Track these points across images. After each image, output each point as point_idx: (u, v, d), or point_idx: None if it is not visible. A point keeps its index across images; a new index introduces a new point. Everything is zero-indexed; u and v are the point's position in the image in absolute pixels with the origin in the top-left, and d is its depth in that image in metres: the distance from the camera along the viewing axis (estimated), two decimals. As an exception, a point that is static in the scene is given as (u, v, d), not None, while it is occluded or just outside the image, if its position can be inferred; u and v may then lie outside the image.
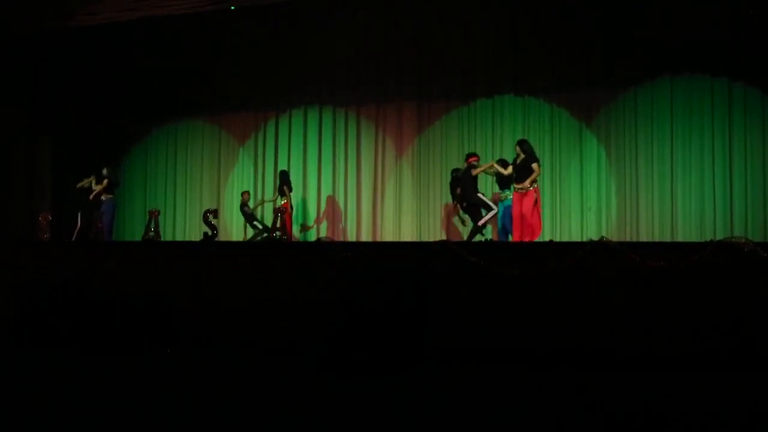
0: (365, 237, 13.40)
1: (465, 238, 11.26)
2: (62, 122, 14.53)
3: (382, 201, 13.47)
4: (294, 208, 13.32)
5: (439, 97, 13.14)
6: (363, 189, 13.63)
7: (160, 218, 13.50)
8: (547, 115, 12.43)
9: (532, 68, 12.39)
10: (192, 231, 14.38)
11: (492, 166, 10.94)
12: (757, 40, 11.02)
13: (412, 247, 9.46)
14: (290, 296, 8.50)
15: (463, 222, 11.80)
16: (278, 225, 12.65)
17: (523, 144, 10.50)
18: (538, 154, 10.71)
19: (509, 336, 7.67)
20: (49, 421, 5.30)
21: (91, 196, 12.52)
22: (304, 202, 13.98)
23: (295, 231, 13.49)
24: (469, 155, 11.21)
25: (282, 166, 13.92)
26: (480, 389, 6.47)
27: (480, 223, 10.69)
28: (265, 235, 13.02)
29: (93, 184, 12.63)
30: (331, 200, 13.84)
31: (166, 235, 14.11)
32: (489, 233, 11.46)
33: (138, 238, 13.59)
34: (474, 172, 10.79)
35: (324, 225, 13.84)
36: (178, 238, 14.50)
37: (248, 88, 14.29)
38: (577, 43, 12.14)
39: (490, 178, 11.72)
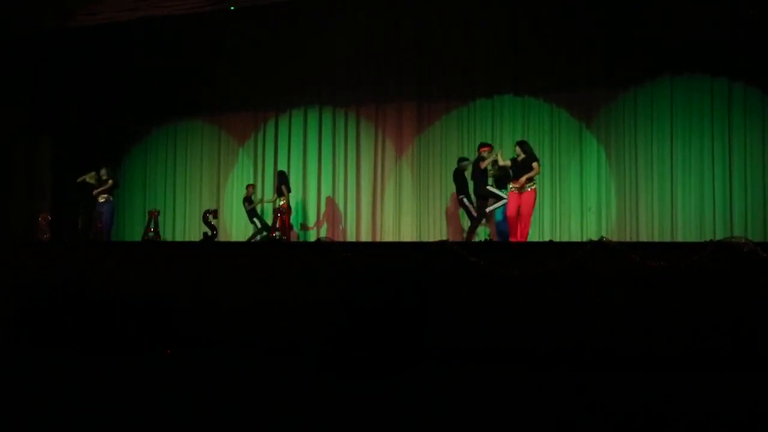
0: (365, 237, 13.39)
1: (466, 228, 11.18)
2: (62, 122, 14.52)
3: (382, 201, 13.47)
4: (292, 209, 13.32)
5: (438, 97, 13.13)
6: (363, 189, 13.63)
7: (160, 218, 13.49)
8: (547, 115, 12.42)
9: (532, 68, 12.38)
10: (192, 231, 14.38)
11: (495, 156, 10.82)
12: (757, 40, 11.01)
13: (412, 247, 9.45)
14: (290, 296, 8.51)
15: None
16: (278, 225, 12.65)
17: (523, 145, 10.53)
18: (537, 154, 10.73)
19: (509, 336, 7.68)
20: (49, 421, 5.30)
21: (95, 192, 12.52)
22: (303, 202, 13.98)
23: (296, 231, 13.49)
24: (482, 145, 11.11)
25: (282, 167, 13.91)
26: (480, 389, 6.47)
27: (488, 209, 10.67)
28: (264, 233, 13.02)
29: (94, 180, 12.61)
30: (331, 200, 13.84)
31: (166, 235, 14.10)
32: (484, 233, 11.48)
33: (138, 238, 13.59)
34: (482, 165, 10.75)
35: (324, 225, 13.84)
36: (178, 238, 14.49)
37: (248, 88, 14.29)
38: (577, 43, 12.13)
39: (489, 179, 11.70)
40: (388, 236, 13.22)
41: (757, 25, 10.94)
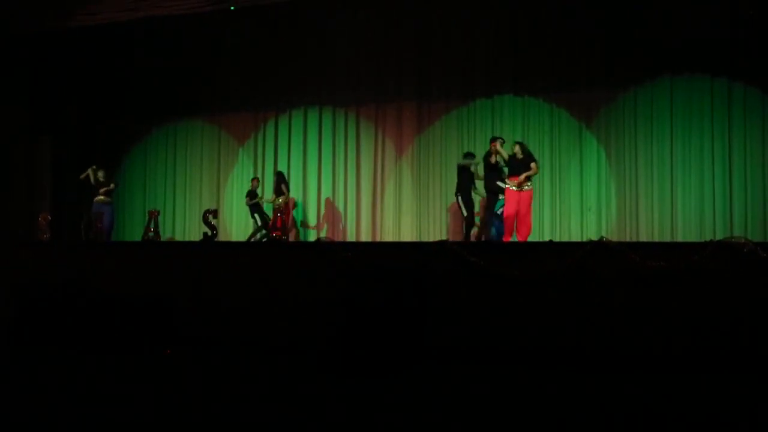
0: (365, 237, 13.39)
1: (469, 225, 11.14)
2: (62, 122, 14.52)
3: (382, 201, 13.47)
4: (293, 207, 13.32)
5: (438, 97, 13.13)
6: (363, 189, 13.63)
7: (160, 218, 13.49)
8: (547, 115, 12.43)
9: (532, 68, 12.39)
10: (192, 231, 14.38)
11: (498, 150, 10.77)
12: (757, 40, 11.02)
13: (412, 247, 9.45)
14: (290, 296, 8.50)
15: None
16: (278, 225, 12.65)
17: (522, 145, 10.53)
18: (537, 154, 10.73)
19: (509, 336, 7.67)
20: (49, 421, 5.30)
21: (96, 193, 12.52)
22: (303, 202, 13.98)
23: (298, 228, 13.50)
24: (493, 139, 10.93)
25: (282, 166, 13.92)
26: (480, 389, 6.47)
27: (498, 212, 10.66)
28: (264, 232, 13.02)
29: (93, 177, 12.58)
30: (331, 200, 13.84)
31: (166, 236, 14.10)
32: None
33: (138, 238, 13.59)
34: (491, 160, 10.71)
35: (324, 225, 13.84)
36: (178, 238, 14.49)
37: (248, 88, 14.29)
38: (577, 43, 12.14)
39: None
40: (388, 236, 13.22)
41: (757, 25, 10.95)
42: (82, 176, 12.69)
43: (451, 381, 6.82)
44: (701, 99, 11.55)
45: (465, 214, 10.82)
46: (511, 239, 10.23)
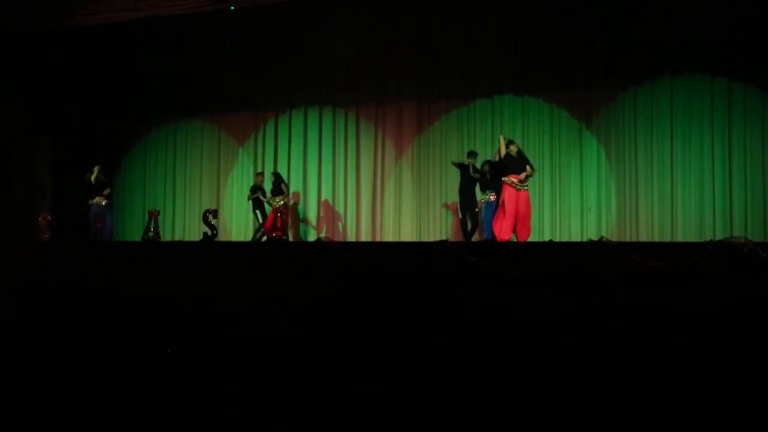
0: (365, 237, 13.39)
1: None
2: (62, 122, 14.51)
3: (382, 201, 13.46)
4: (292, 207, 13.31)
5: (438, 97, 13.13)
6: (363, 189, 13.63)
7: (160, 218, 13.48)
8: (547, 115, 12.42)
9: (531, 68, 12.38)
10: (192, 231, 14.37)
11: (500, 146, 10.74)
12: (757, 40, 11.02)
13: (411, 247, 9.45)
14: (290, 296, 8.51)
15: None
16: (278, 225, 12.63)
17: (516, 145, 10.47)
18: (537, 154, 10.73)
19: (509, 336, 7.68)
20: (49, 421, 5.30)
21: (105, 192, 12.52)
22: (303, 202, 13.98)
23: (296, 230, 13.48)
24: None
25: (282, 166, 13.91)
26: (480, 389, 6.47)
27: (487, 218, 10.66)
28: (263, 231, 12.99)
29: (94, 177, 12.57)
30: (331, 200, 13.84)
31: (166, 236, 14.09)
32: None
33: (138, 238, 13.58)
34: (497, 158, 10.69)
35: (324, 225, 13.84)
36: (178, 238, 14.49)
37: (248, 88, 14.28)
38: (577, 43, 12.13)
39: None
40: (388, 236, 13.22)
41: (757, 25, 10.95)
42: (92, 177, 12.63)
43: (451, 381, 6.82)
44: (701, 99, 11.54)
45: (461, 216, 10.82)
46: (510, 239, 10.20)
